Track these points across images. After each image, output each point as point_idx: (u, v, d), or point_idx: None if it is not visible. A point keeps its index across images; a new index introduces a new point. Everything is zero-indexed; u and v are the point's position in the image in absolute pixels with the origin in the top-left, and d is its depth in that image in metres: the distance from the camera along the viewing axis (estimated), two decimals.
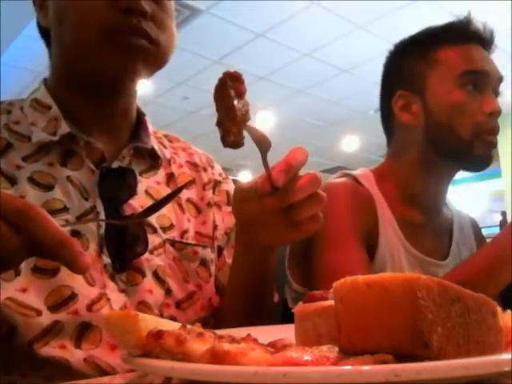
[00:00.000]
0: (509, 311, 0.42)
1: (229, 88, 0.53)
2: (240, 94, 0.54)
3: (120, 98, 0.79)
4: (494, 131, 0.98)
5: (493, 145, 0.98)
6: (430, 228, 1.06)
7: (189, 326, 0.41)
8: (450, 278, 0.57)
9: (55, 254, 0.42)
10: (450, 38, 1.02)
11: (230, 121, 0.53)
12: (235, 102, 0.53)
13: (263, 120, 6.04)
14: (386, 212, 1.00)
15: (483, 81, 0.99)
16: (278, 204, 0.57)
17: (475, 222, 1.18)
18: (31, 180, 0.70)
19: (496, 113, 0.98)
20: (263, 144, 0.54)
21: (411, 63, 1.05)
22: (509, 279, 0.86)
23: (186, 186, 0.83)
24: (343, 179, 1.02)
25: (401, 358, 0.31)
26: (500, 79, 1.02)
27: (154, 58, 0.73)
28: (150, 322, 0.40)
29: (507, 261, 0.84)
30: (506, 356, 0.30)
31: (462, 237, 1.12)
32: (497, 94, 1.02)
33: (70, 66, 0.76)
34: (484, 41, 1.03)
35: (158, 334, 0.37)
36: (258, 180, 0.58)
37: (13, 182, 0.69)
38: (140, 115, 0.85)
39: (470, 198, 7.79)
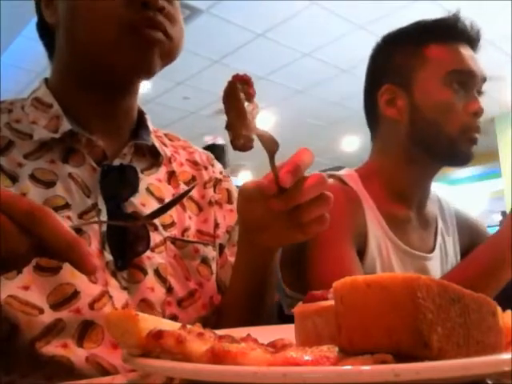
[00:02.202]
0: (509, 311, 0.42)
1: (239, 91, 0.53)
2: (250, 97, 0.54)
3: (126, 97, 0.79)
4: (478, 130, 1.00)
5: (475, 142, 1.00)
6: (416, 222, 1.08)
7: (189, 326, 0.41)
8: (450, 279, 0.57)
9: (63, 255, 0.42)
10: (440, 35, 1.02)
11: (241, 124, 0.52)
12: (245, 105, 0.53)
13: (263, 120, 6.03)
14: (373, 210, 1.01)
15: (469, 80, 1.00)
16: (284, 205, 0.57)
17: (458, 212, 1.19)
18: (32, 177, 0.70)
19: (480, 113, 1.00)
20: (271, 146, 0.54)
21: (400, 57, 1.05)
22: (508, 279, 0.87)
23: (192, 188, 0.83)
24: (329, 180, 1.02)
25: (401, 358, 0.31)
26: (484, 79, 1.03)
27: (169, 51, 0.74)
28: (150, 321, 0.40)
29: (506, 261, 0.84)
30: (506, 356, 0.30)
31: (446, 227, 1.14)
32: (480, 93, 1.03)
33: (82, 62, 0.76)
34: (471, 39, 1.04)
35: (158, 334, 0.37)
36: (263, 181, 0.58)
37: (14, 179, 0.69)
38: (140, 114, 0.85)
39: (469, 197, 7.80)
